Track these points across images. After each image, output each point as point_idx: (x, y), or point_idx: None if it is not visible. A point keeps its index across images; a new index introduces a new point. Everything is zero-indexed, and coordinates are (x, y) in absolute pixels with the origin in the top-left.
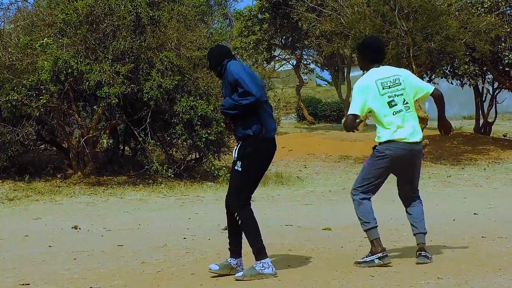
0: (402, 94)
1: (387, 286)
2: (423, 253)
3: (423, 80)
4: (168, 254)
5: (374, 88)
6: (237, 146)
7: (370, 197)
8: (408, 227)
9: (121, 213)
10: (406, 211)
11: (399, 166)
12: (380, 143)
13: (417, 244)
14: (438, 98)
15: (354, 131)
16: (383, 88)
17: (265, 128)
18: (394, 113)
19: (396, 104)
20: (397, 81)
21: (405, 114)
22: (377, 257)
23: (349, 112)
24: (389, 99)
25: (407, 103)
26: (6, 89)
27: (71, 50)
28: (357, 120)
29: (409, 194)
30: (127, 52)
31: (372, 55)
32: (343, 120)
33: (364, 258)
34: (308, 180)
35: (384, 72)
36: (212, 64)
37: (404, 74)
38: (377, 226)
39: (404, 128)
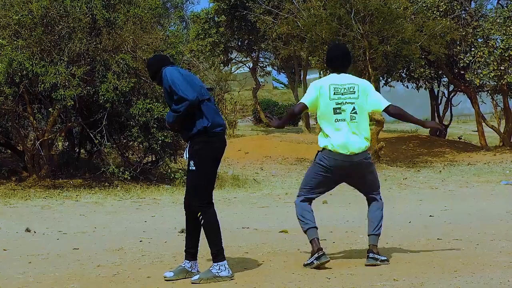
0: (353, 103)
1: None
2: (370, 255)
3: (378, 83)
4: (124, 257)
5: (326, 91)
6: (186, 146)
7: (311, 199)
8: (364, 230)
9: (76, 216)
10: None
11: (341, 176)
12: (321, 150)
13: (368, 245)
14: (396, 115)
15: (287, 125)
16: (334, 94)
17: (210, 123)
18: (336, 120)
19: (340, 113)
20: (351, 89)
21: (348, 124)
22: (314, 257)
23: (300, 100)
24: (336, 105)
25: (355, 112)
26: None
27: (26, 52)
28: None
29: (368, 196)
30: (82, 54)
31: (331, 63)
32: (300, 123)
33: (307, 260)
34: (264, 183)
35: (341, 78)
36: (151, 74)
37: (363, 85)
38: (315, 227)
39: (340, 138)
